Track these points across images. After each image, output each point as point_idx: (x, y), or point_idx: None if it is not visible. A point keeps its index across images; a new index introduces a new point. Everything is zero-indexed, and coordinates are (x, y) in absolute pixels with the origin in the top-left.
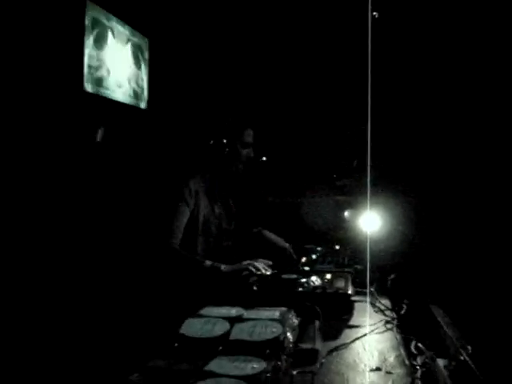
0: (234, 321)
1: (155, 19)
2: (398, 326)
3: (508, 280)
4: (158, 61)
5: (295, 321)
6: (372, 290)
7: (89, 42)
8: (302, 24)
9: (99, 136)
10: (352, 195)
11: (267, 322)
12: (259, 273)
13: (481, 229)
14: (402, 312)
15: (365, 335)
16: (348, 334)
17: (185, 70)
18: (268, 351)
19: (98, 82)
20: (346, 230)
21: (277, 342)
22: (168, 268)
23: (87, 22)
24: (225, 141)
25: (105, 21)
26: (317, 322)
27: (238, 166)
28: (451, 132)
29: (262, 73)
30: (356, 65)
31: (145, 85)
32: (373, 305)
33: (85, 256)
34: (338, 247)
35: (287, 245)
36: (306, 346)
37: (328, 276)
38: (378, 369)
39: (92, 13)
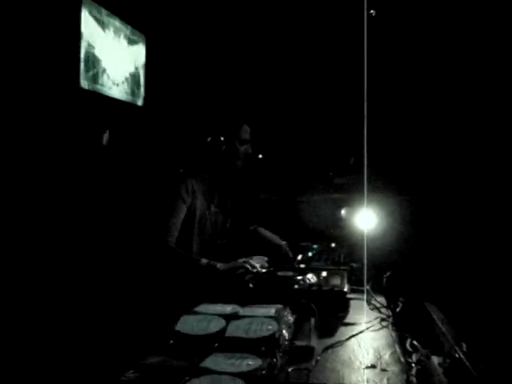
0: (229, 318)
1: (152, 16)
2: (393, 324)
3: (503, 278)
4: (154, 58)
5: (291, 318)
6: (368, 287)
7: (85, 38)
8: (299, 22)
9: (105, 140)
10: (348, 193)
11: (263, 319)
12: (255, 270)
13: (475, 227)
14: (398, 310)
15: (360, 333)
16: (343, 332)
17: (181, 67)
18: (263, 348)
19: (95, 78)
20: (343, 227)
21: (272, 339)
22: (164, 266)
23: (83, 18)
24: (222, 138)
25: (101, 17)
26: (312, 320)
27: (236, 162)
28: (447, 131)
29: (259, 70)
30: (353, 63)
31: (141, 82)
32: (368, 302)
33: (81, 253)
34: (334, 245)
35: (283, 242)
36: (301, 343)
37: (324, 274)
38: (373, 366)
39: (88, 9)
